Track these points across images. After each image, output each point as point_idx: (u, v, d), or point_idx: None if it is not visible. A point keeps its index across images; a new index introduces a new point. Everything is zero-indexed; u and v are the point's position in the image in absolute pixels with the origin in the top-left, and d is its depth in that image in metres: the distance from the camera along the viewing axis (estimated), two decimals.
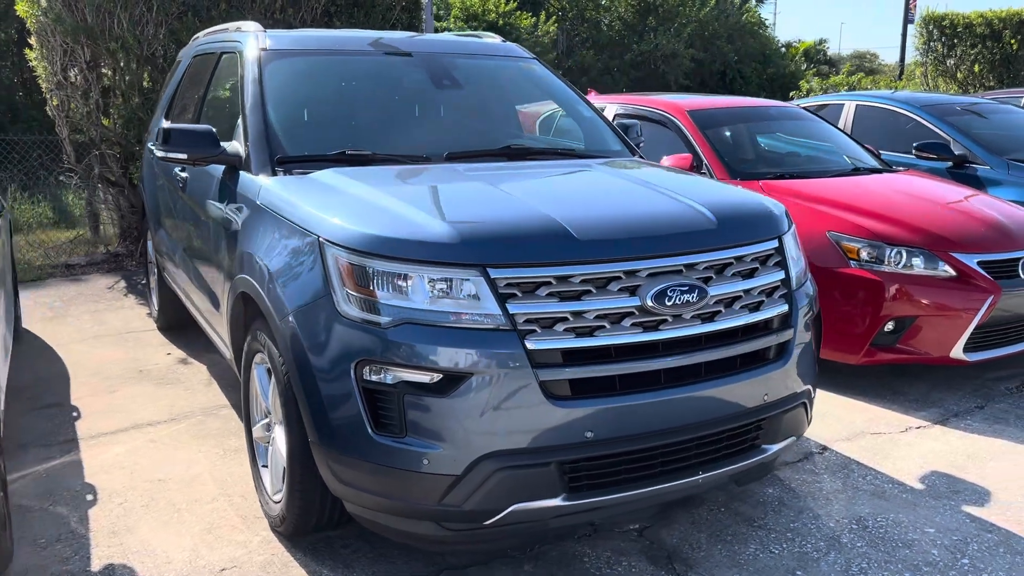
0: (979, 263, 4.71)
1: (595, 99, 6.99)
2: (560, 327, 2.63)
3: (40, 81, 8.07)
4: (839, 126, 7.77)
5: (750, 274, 3.00)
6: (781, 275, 3.10)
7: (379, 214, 2.82)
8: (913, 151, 7.00)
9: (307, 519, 3.05)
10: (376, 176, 3.29)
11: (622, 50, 23.51)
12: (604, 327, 2.68)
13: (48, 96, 8.06)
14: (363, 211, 2.85)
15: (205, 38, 5.18)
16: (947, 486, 3.71)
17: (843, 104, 8.11)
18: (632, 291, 2.72)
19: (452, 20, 20.93)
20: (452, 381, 2.57)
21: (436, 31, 19.98)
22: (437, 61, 4.26)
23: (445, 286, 2.61)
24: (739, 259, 2.98)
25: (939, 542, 3.25)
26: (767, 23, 28.48)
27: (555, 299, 2.65)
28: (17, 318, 5.81)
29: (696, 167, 5.61)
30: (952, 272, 4.66)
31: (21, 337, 5.86)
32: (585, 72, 22.46)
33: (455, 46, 4.52)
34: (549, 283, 2.65)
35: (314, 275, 2.80)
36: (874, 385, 4.96)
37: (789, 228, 3.27)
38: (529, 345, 2.59)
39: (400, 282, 2.63)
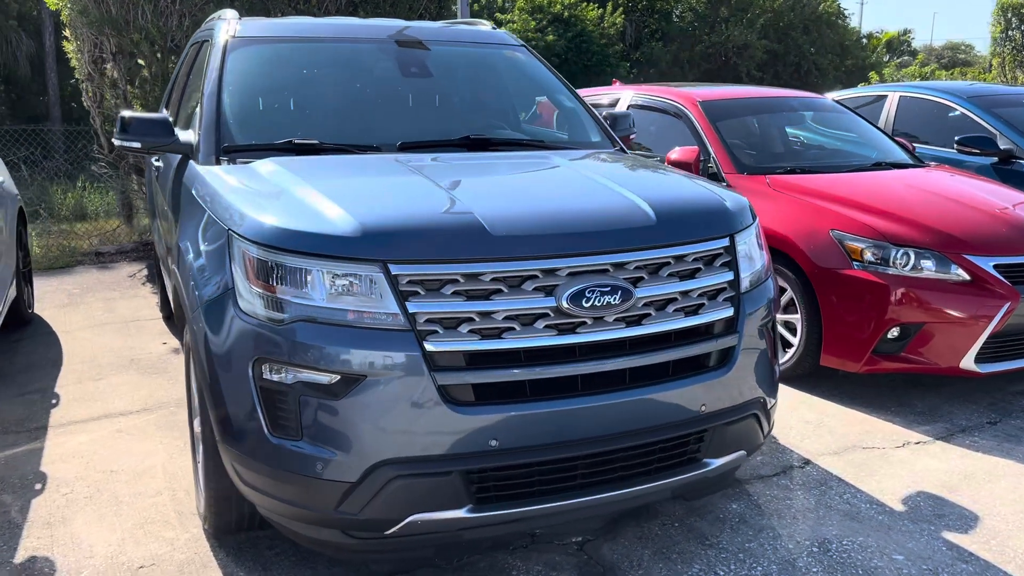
0: (995, 267, 4.34)
1: (615, 89, 6.75)
2: (465, 328, 2.47)
3: (75, 73, 8.25)
4: (881, 119, 7.36)
5: (690, 275, 2.78)
6: (729, 276, 2.86)
7: (289, 207, 2.70)
8: (955, 145, 6.58)
9: (224, 518, 2.97)
10: (311, 167, 3.18)
11: (692, 41, 22.91)
12: (514, 329, 2.50)
13: (82, 87, 8.23)
14: (275, 204, 2.74)
15: (201, 27, 5.16)
16: (932, 509, 3.41)
17: (886, 96, 7.68)
18: (549, 291, 2.54)
19: (516, 12, 20.73)
20: (347, 383, 2.43)
21: (499, 25, 19.90)
22: (408, 48, 4.12)
23: (346, 282, 2.48)
24: (679, 258, 2.76)
25: (905, 571, 2.97)
26: (847, 13, 27.39)
27: (461, 298, 2.48)
28: (26, 304, 5.91)
29: (703, 160, 5.35)
30: (965, 276, 4.31)
31: (30, 323, 5.97)
32: (654, 64, 21.98)
33: (435, 33, 4.37)
34: (456, 281, 2.48)
35: (223, 269, 2.70)
36: (880, 395, 4.64)
37: (746, 226, 3.03)
38: (429, 347, 2.43)
39: (300, 277, 2.50)
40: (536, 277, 2.54)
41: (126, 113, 3.60)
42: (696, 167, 5.27)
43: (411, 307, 2.44)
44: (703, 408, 2.76)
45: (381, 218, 2.57)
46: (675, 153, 5.34)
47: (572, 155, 3.60)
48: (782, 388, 4.60)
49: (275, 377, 2.51)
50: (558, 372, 2.54)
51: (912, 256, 4.34)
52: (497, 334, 2.49)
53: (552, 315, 2.54)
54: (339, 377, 2.44)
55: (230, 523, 2.98)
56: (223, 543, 3.11)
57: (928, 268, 4.33)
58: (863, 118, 6.26)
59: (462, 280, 2.49)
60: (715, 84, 7.59)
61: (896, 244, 4.35)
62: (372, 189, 2.94)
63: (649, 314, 2.67)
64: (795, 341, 4.69)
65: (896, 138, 6.18)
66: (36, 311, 6.30)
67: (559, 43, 19.56)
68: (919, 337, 4.32)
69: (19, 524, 3.26)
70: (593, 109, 4.24)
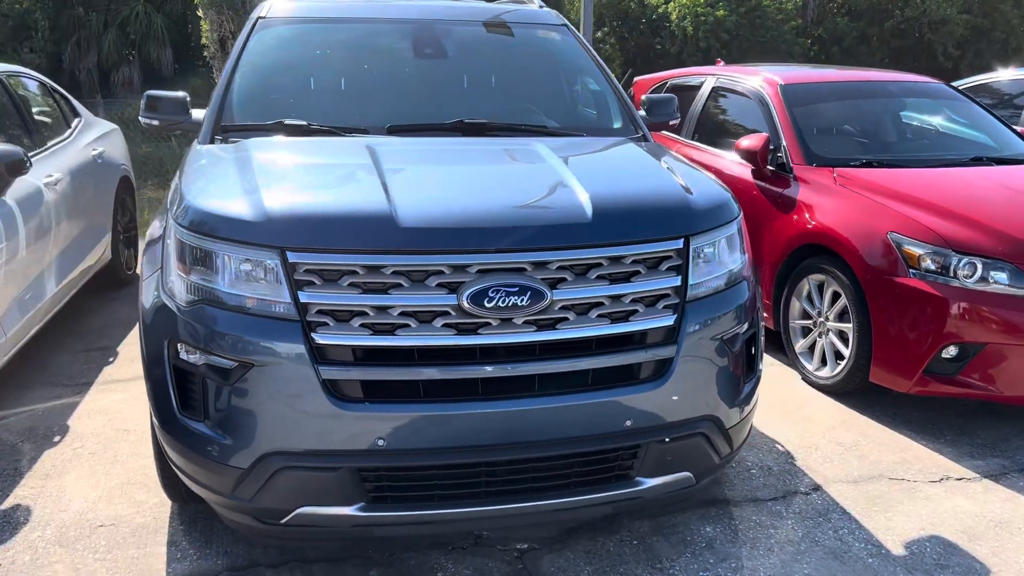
0: None
1: (704, 70, 6.34)
2: (357, 322, 2.39)
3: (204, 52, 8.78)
4: None
5: (625, 278, 2.56)
6: (674, 282, 2.61)
7: (219, 190, 2.71)
8: None
9: (171, 489, 3.07)
10: (279, 148, 3.19)
11: (883, 16, 21.18)
12: (409, 326, 2.40)
13: (212, 63, 8.73)
14: (211, 186, 2.76)
15: None
16: (937, 557, 3.00)
17: None
18: (453, 289, 2.41)
19: None
20: (239, 370, 2.42)
21: (666, 2, 19.27)
22: (430, 28, 4.05)
23: (247, 268, 2.46)
24: (614, 260, 2.55)
25: None
26: None
27: (357, 290, 2.40)
28: (125, 266, 6.36)
29: (773, 149, 4.93)
30: None
31: (127, 284, 6.42)
32: (837, 41, 20.54)
33: (467, 13, 4.26)
34: (355, 272, 2.41)
35: (161, 249, 2.77)
36: (940, 421, 4.13)
37: (713, 226, 2.75)
38: (317, 339, 2.38)
39: (209, 261, 2.51)
40: (442, 273, 2.42)
41: (150, 92, 3.75)
42: (762, 157, 4.87)
43: (303, 297, 2.39)
44: (629, 423, 2.54)
45: (285, 204, 2.53)
46: (743, 141, 4.96)
47: (562, 143, 3.41)
48: (825, 403, 4.22)
49: (187, 358, 2.53)
50: (455, 374, 2.42)
51: (979, 267, 3.80)
52: (391, 330, 2.40)
53: (453, 314, 2.41)
54: (235, 363, 2.43)
55: (177, 494, 3.08)
56: (182, 512, 3.21)
57: (999, 281, 3.78)
58: (982, 106, 5.55)
59: (362, 272, 2.41)
60: (817, 66, 6.99)
61: (960, 252, 3.83)
62: (306, 175, 2.90)
63: (566, 318, 2.48)
64: (847, 353, 4.25)
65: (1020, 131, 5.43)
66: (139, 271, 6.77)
67: (730, 19, 18.71)
68: (979, 359, 3.79)
69: (22, 473, 3.52)
70: (624, 95, 3.99)
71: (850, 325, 4.20)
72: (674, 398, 2.60)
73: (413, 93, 3.80)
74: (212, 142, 3.39)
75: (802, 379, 4.59)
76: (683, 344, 2.59)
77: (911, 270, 3.92)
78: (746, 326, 2.85)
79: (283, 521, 2.50)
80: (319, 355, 2.38)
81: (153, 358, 2.64)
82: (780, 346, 4.82)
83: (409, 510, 2.50)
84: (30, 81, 5.63)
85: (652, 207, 2.71)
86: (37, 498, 3.32)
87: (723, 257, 2.79)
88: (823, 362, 4.46)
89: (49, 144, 5.19)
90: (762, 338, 3.04)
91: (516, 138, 3.44)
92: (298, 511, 2.47)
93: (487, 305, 2.39)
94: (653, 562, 2.94)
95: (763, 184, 4.93)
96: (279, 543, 2.83)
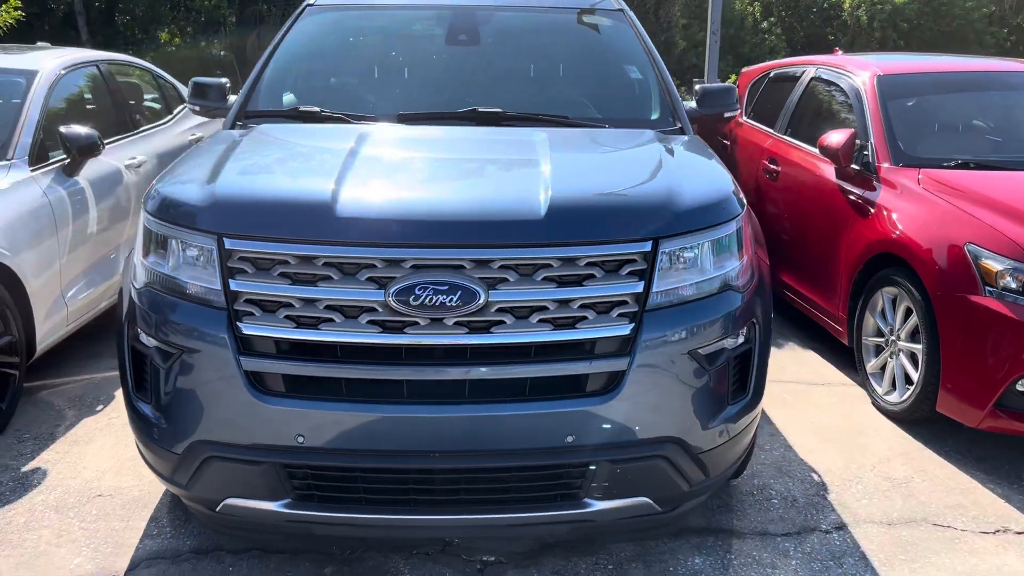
0: None
1: (818, 58, 5.84)
2: (283, 313, 2.32)
3: None
4: None
5: (576, 281, 2.34)
6: (635, 288, 2.37)
7: (189, 177, 2.71)
8: None
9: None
10: (274, 134, 3.18)
11: None
12: (333, 320, 2.30)
13: None
14: (185, 173, 2.76)
15: None
16: None
17: None
18: (382, 284, 2.29)
19: None
20: (175, 355, 2.42)
21: None
22: (470, 15, 3.92)
23: (191, 253, 2.45)
24: (567, 261, 2.34)
25: None
26: None
27: (287, 281, 2.33)
28: None
29: (860, 147, 4.45)
30: None
31: None
32: None
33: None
34: (287, 261, 2.34)
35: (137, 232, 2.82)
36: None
37: (693, 229, 2.48)
38: (242, 329, 2.33)
39: (161, 245, 2.52)
40: (374, 267, 2.31)
41: (196, 79, 3.86)
42: (845, 155, 4.41)
43: (234, 285, 2.35)
44: (570, 439, 2.33)
45: (228, 192, 2.50)
46: (828, 137, 4.51)
47: (573, 135, 3.22)
48: (889, 432, 3.81)
49: (141, 339, 2.56)
50: (377, 374, 2.30)
51: None
52: (315, 324, 2.31)
53: (380, 310, 2.29)
54: (172, 348, 2.43)
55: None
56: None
57: None
58: None
59: (294, 262, 2.33)
60: (935, 55, 6.27)
61: None
62: (273, 163, 2.85)
63: (503, 322, 2.30)
64: (916, 377, 3.78)
65: None
66: None
67: (910, 6, 17.36)
68: None
69: (55, 438, 3.72)
70: (669, 86, 3.70)
71: (920, 347, 3.73)
72: (626, 415, 2.36)
73: (435, 81, 3.70)
74: (233, 127, 3.43)
75: (872, 403, 4.13)
76: (638, 356, 2.34)
77: (987, 287, 3.41)
78: (736, 340, 2.56)
79: (216, 510, 2.48)
80: (243, 345, 2.33)
81: (119, 339, 2.68)
82: (854, 364, 4.36)
83: (336, 511, 2.41)
84: (135, 70, 5.97)
85: (618, 207, 2.48)
86: (57, 463, 3.50)
87: (706, 263, 2.51)
88: (893, 385, 3.99)
89: (142, 128, 5.48)
90: (765, 355, 2.72)
91: (525, 128, 3.25)
92: (226, 502, 2.44)
93: (413, 303, 2.26)
94: None
95: (845, 185, 4.47)
96: (228, 531, 2.81)
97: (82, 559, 2.85)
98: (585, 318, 2.34)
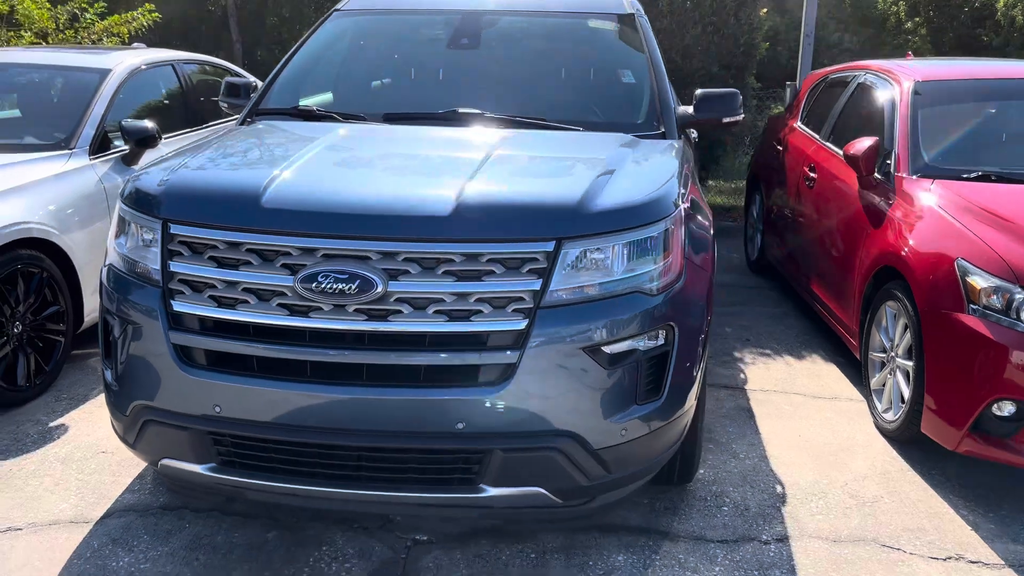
0: None
1: (869, 63, 5.63)
2: (207, 293, 2.56)
3: None
4: None
5: (475, 276, 2.46)
6: (533, 285, 2.46)
7: (162, 166, 2.98)
8: None
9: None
10: (259, 130, 3.44)
11: None
12: (248, 302, 2.51)
13: None
14: (162, 163, 3.04)
15: None
16: None
17: None
18: (294, 270, 2.49)
19: None
20: (123, 326, 2.70)
21: None
22: (476, 20, 4.07)
23: (146, 236, 2.71)
24: (470, 257, 2.46)
25: None
26: None
27: (213, 264, 2.57)
28: None
29: (884, 156, 4.31)
30: None
31: None
32: None
33: (528, 4, 4.22)
34: (216, 246, 2.57)
35: None
36: (1012, 492, 3.40)
37: (601, 232, 2.55)
38: (174, 306, 2.58)
39: (123, 227, 2.81)
40: (290, 254, 2.51)
41: (228, 79, 4.20)
42: (866, 164, 4.28)
43: (171, 266, 2.60)
44: (461, 426, 2.45)
45: (178, 181, 2.75)
46: (852, 146, 4.38)
47: (535, 136, 3.32)
48: (878, 450, 3.74)
49: (105, 311, 2.86)
50: (282, 353, 2.49)
51: None
52: (233, 304, 2.53)
53: (289, 295, 2.49)
54: (121, 320, 2.71)
55: None
56: None
57: None
58: None
59: (222, 247, 2.56)
60: (989, 59, 5.86)
61: None
62: (237, 155, 3.07)
63: (401, 311, 2.45)
64: (908, 396, 3.64)
65: None
66: None
67: None
68: None
69: (86, 400, 4.13)
70: (662, 90, 3.73)
71: (912, 363, 3.60)
72: (517, 407, 2.46)
73: (430, 83, 3.87)
74: (244, 123, 3.72)
75: (873, 421, 4.00)
76: (529, 351, 2.44)
77: (971, 305, 3.27)
78: (649, 342, 2.60)
79: (157, 469, 2.75)
80: (173, 321, 2.58)
81: (99, 311, 3.00)
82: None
83: (254, 478, 2.62)
84: (213, 68, 6.45)
85: (525, 207, 2.57)
86: (80, 421, 3.90)
87: (616, 264, 2.57)
88: (892, 403, 3.85)
89: (208, 123, 5.93)
90: (688, 360, 2.74)
91: (495, 129, 3.37)
92: (162, 462, 2.70)
93: (315, 289, 2.44)
94: None
95: (865, 194, 4.34)
96: (177, 490, 3.07)
97: (67, 505, 3.20)
98: (480, 312, 2.45)
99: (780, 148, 6.11)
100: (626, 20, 4.09)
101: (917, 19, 18.60)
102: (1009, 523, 3.19)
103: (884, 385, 3.94)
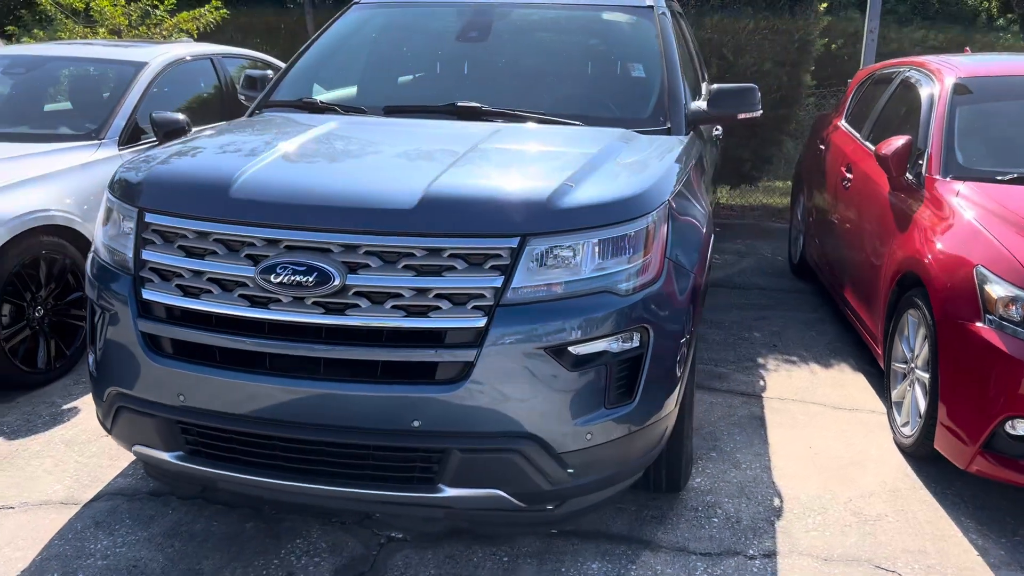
0: None
1: (915, 59, 5.36)
2: (174, 282, 2.57)
3: None
4: None
5: (436, 272, 2.41)
6: (494, 283, 2.40)
7: (145, 156, 3.02)
8: None
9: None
10: (258, 121, 3.45)
11: None
12: (212, 292, 2.51)
13: None
14: (150, 153, 3.08)
15: None
16: None
17: None
18: (257, 261, 2.48)
19: None
20: (100, 313, 2.73)
21: None
22: (487, 12, 4.01)
23: (127, 225, 2.74)
24: (432, 251, 2.41)
25: None
26: None
27: (182, 253, 2.58)
28: None
29: (916, 156, 4.08)
30: None
31: None
32: None
33: None
34: (185, 236, 2.58)
35: None
36: None
37: (569, 229, 2.46)
38: (144, 294, 2.60)
39: (106, 216, 2.85)
40: (254, 245, 2.50)
41: (248, 71, 4.25)
42: (896, 164, 4.06)
43: (144, 254, 2.63)
44: (417, 423, 2.40)
45: (156, 171, 2.78)
46: (883, 145, 4.17)
47: (522, 131, 3.25)
48: (892, 466, 3.58)
49: (89, 297, 2.90)
50: (244, 345, 2.48)
51: None
52: (197, 294, 2.53)
53: (250, 286, 2.48)
54: (100, 307, 2.74)
55: None
56: None
57: None
58: None
59: (191, 236, 2.57)
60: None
61: None
62: (220, 146, 3.07)
63: (358, 305, 2.41)
64: (924, 410, 3.44)
65: None
66: None
67: None
68: None
69: None
70: (672, 85, 3.61)
71: (928, 375, 3.40)
72: (473, 406, 2.39)
73: (436, 75, 3.83)
74: (252, 115, 3.75)
75: (892, 437, 3.80)
76: (487, 349, 2.37)
77: (987, 315, 3.06)
78: (620, 344, 2.51)
79: (133, 455, 2.78)
80: (143, 309, 2.60)
81: None
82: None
83: (218, 468, 2.62)
84: (253, 63, 6.54)
85: (491, 202, 2.50)
86: (92, 405, 3.95)
87: (586, 263, 2.48)
88: (910, 417, 3.65)
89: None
90: (666, 364, 2.64)
91: (487, 123, 3.31)
92: (134, 447, 2.73)
93: (274, 280, 2.42)
94: None
95: (894, 196, 4.12)
96: (153, 477, 3.10)
97: (61, 487, 3.27)
98: (439, 308, 2.39)
99: (823, 147, 5.88)
100: (643, 13, 3.97)
101: (1010, 15, 17.75)
102: (1022, 550, 2.98)
103: (904, 398, 3.73)
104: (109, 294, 2.68)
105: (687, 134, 3.51)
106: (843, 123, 5.72)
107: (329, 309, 2.43)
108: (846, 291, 4.81)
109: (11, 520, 3.04)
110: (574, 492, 2.60)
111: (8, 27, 12.84)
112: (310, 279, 2.40)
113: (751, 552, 2.93)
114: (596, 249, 2.50)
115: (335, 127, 3.22)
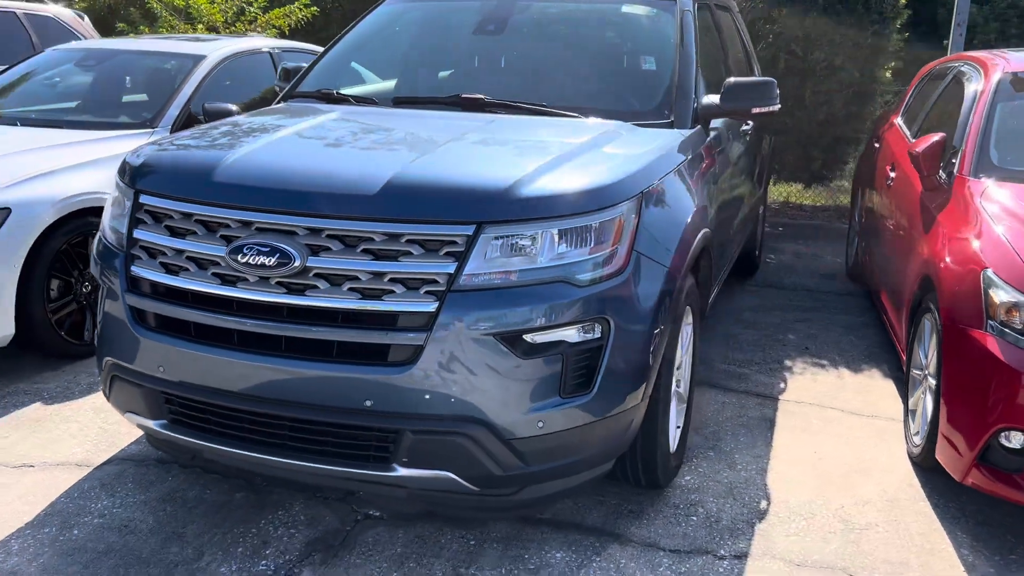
0: None
1: (972, 55, 5.10)
2: (158, 260, 2.72)
3: None
4: None
5: (392, 256, 2.48)
6: (447, 268, 2.45)
7: (152, 143, 3.20)
8: None
9: None
10: (273, 110, 3.60)
11: None
12: (189, 270, 2.65)
13: None
14: (159, 141, 3.26)
15: None
16: None
17: None
18: (229, 241, 2.60)
19: None
20: (100, 288, 2.92)
21: None
22: (508, 5, 4.05)
23: (127, 206, 2.92)
24: (391, 236, 2.49)
25: None
26: None
27: (167, 232, 2.73)
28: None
29: (951, 153, 3.90)
30: None
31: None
32: None
33: None
34: (171, 216, 2.74)
35: None
36: None
37: (529, 218, 2.50)
38: (133, 270, 2.76)
39: (114, 200, 3.04)
40: (228, 226, 2.63)
41: (285, 64, 4.44)
42: (927, 163, 3.89)
43: (135, 233, 2.79)
44: (369, 403, 2.48)
45: (153, 155, 2.95)
46: (916, 144, 4.01)
47: (513, 122, 3.30)
48: (898, 475, 3.49)
49: (93, 275, 3.10)
50: (214, 321, 2.61)
51: None
52: (176, 271, 2.68)
53: (222, 265, 2.60)
54: (100, 282, 2.93)
55: None
56: None
57: None
58: None
59: (177, 217, 2.73)
60: None
61: None
62: (224, 133, 3.21)
63: (317, 286, 2.50)
64: (930, 418, 3.30)
65: None
66: None
67: None
68: None
69: None
70: (683, 79, 3.57)
71: (934, 383, 3.26)
72: (422, 388, 2.45)
73: (446, 68, 3.89)
74: (275, 105, 3.92)
75: (906, 446, 3.65)
76: (436, 333, 2.42)
77: (989, 322, 2.91)
78: (578, 334, 2.53)
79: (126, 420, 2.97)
80: (131, 284, 2.77)
81: None
82: None
83: (195, 438, 2.76)
84: (310, 55, 6.76)
85: (449, 189, 2.55)
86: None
87: (543, 252, 2.50)
88: (921, 426, 3.50)
89: None
90: (628, 358, 2.63)
91: (484, 114, 3.36)
92: (127, 414, 2.91)
93: (240, 260, 2.54)
94: (462, 565, 2.78)
95: (924, 196, 3.95)
96: (156, 446, 3.27)
97: (80, 450, 3.50)
98: (392, 292, 2.46)
99: (876, 145, 5.66)
100: (664, 7, 3.93)
101: None
102: (1014, 571, 2.83)
103: (918, 406, 3.58)
104: (107, 271, 2.86)
105: (693, 128, 3.47)
106: (898, 120, 5.49)
107: (291, 289, 2.53)
108: (882, 294, 4.63)
109: (29, 477, 3.29)
110: (529, 479, 2.63)
111: (119, 23, 13.62)
112: (272, 260, 2.51)
113: (722, 552, 2.89)
114: (555, 239, 2.52)
115: (333, 117, 3.33)
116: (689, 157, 3.30)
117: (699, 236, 3.11)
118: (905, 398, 3.80)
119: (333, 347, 2.52)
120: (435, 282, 2.45)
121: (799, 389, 4.24)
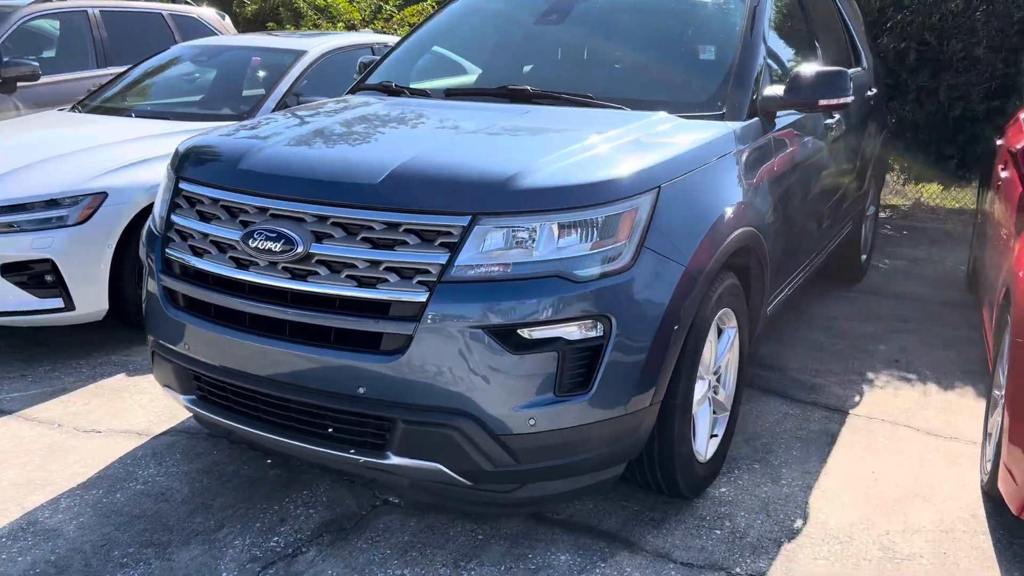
0: None
1: None
2: (188, 243, 2.85)
3: None
4: None
5: (389, 245, 2.49)
6: (439, 259, 2.44)
7: (204, 132, 3.35)
8: None
9: None
10: (333, 104, 3.69)
11: None
12: (211, 253, 2.77)
13: None
14: (208, 130, 3.40)
15: None
16: None
17: None
18: (245, 226, 2.70)
19: None
20: (146, 270, 3.09)
21: None
22: None
23: (170, 192, 3.08)
24: (390, 226, 2.51)
25: None
26: None
27: (196, 217, 2.86)
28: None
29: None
30: None
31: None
32: None
33: None
34: (202, 201, 2.87)
35: None
36: None
37: (526, 210, 2.46)
38: (167, 252, 2.92)
39: (163, 186, 3.21)
40: (246, 212, 2.72)
41: (362, 58, 4.57)
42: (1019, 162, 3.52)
43: (172, 217, 2.95)
44: (361, 390, 2.51)
45: (195, 144, 3.09)
46: (1017, 142, 3.64)
47: (552, 114, 3.24)
48: (963, 502, 3.23)
49: (140, 257, 3.28)
50: (226, 302, 2.71)
51: None
52: (201, 254, 2.80)
53: (237, 249, 2.70)
54: (146, 265, 3.10)
55: None
56: None
57: None
58: None
59: (207, 202, 2.85)
60: None
61: None
62: (269, 124, 3.31)
63: (318, 273, 2.55)
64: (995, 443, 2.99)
65: None
66: None
67: None
68: None
69: None
70: (744, 70, 3.40)
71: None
72: (411, 378, 2.46)
73: (502, 60, 3.87)
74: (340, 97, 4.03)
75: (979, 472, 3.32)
76: (425, 324, 2.42)
77: None
78: (577, 331, 2.46)
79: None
80: (165, 265, 2.92)
81: None
82: None
83: (215, 414, 2.89)
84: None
85: (448, 180, 2.54)
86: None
87: (541, 245, 2.45)
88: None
89: None
90: (630, 357, 2.53)
91: (524, 106, 3.32)
92: (164, 388, 3.08)
93: (251, 245, 2.63)
94: (463, 559, 2.77)
95: (1023, 199, 3.57)
96: (199, 421, 3.42)
97: (144, 420, 3.74)
98: (387, 280, 2.47)
99: (999, 143, 5.16)
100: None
101: None
102: None
103: (994, 428, 3.24)
104: (150, 252, 3.03)
105: (748, 120, 3.29)
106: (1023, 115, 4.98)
107: (295, 275, 2.59)
108: (983, 307, 4.23)
109: (93, 442, 3.54)
110: (523, 477, 2.58)
111: (269, 23, 14.43)
112: (277, 245, 2.58)
113: (737, 570, 2.73)
114: (554, 232, 2.46)
115: (374, 109, 3.38)
116: (737, 150, 3.13)
117: (736, 234, 2.94)
118: (986, 420, 3.45)
119: (331, 333, 2.56)
120: (427, 272, 2.45)
121: (874, 404, 3.94)
